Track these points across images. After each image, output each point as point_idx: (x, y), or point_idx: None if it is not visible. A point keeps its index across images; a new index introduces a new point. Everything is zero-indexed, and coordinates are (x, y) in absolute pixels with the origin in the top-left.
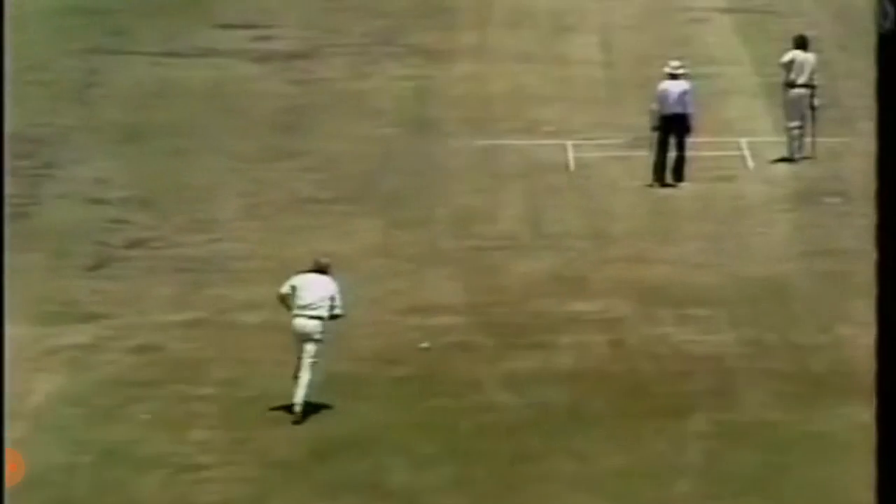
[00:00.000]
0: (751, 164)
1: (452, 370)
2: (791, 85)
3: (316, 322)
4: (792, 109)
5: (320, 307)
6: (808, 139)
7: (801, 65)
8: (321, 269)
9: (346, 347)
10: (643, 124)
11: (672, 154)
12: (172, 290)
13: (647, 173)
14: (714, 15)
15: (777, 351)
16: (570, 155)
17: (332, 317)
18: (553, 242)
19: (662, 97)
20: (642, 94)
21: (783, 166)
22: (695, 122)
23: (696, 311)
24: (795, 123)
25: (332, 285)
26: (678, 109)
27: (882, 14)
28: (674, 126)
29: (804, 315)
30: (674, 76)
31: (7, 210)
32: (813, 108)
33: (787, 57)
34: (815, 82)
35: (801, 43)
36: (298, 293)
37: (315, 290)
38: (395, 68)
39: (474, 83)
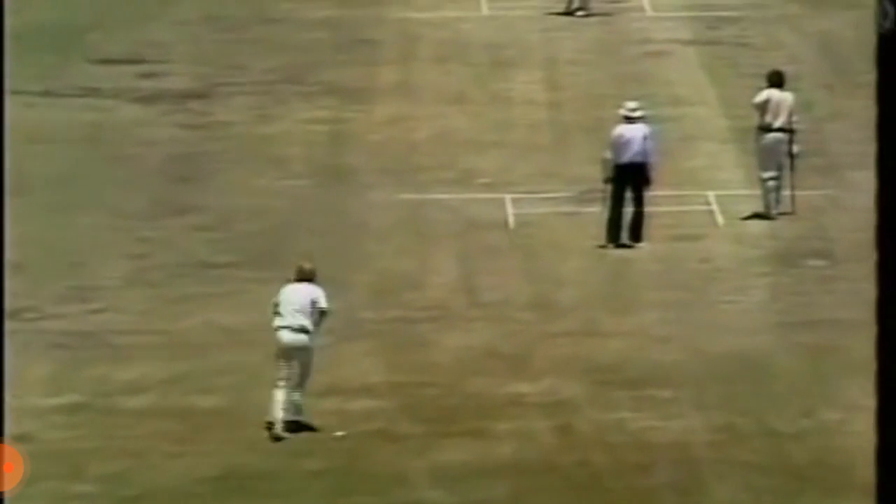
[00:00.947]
0: (720, 220)
1: (374, 463)
2: (766, 129)
3: (302, 336)
4: (767, 157)
5: (304, 318)
6: (786, 192)
7: (778, 105)
8: (306, 278)
9: (252, 437)
10: (594, 175)
11: (629, 210)
12: (48, 370)
13: (600, 232)
14: (676, 48)
15: (752, 439)
16: (510, 211)
17: (319, 320)
18: (490, 313)
19: (617, 144)
20: (593, 140)
21: (757, 223)
22: (655, 173)
23: (657, 392)
24: (771, 174)
25: (317, 291)
26: (636, 158)
27: (882, 14)
28: (631, 177)
29: (783, 397)
30: (630, 119)
31: None
32: (792, 155)
33: (761, 97)
34: (795, 125)
35: (778, 80)
36: (281, 306)
37: (297, 300)
38: (306, 110)
39: (397, 127)
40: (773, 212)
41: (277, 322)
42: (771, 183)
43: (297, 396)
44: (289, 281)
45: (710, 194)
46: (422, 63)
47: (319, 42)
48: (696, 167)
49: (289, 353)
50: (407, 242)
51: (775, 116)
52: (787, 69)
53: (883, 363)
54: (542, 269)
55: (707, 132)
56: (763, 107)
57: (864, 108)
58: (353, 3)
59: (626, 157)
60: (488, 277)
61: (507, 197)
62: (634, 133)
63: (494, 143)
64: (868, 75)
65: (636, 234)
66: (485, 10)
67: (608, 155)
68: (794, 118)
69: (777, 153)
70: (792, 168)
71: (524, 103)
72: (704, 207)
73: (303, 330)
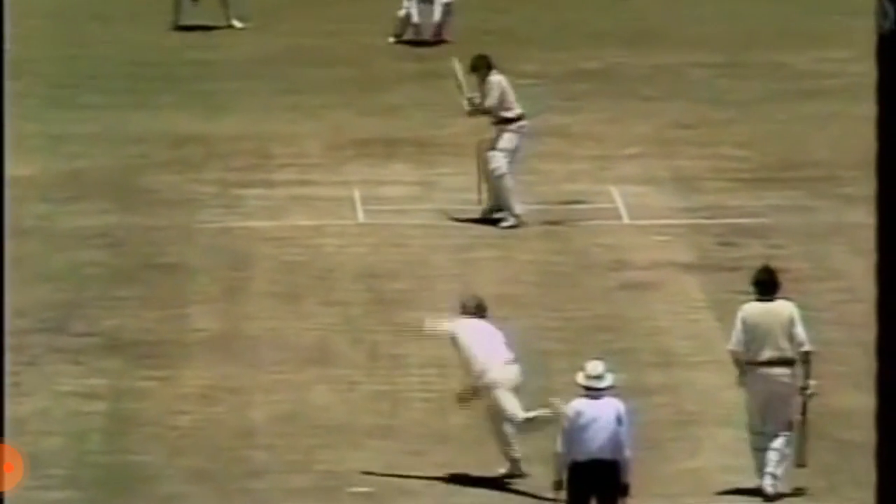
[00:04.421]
0: None
1: None
2: (752, 364)
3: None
4: (758, 410)
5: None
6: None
7: (768, 326)
8: None
9: None
10: (542, 472)
11: None
12: None
13: None
14: (669, 276)
15: None
16: None
17: None
18: None
19: (574, 429)
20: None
21: None
22: (631, 475)
23: None
24: (768, 429)
25: None
26: (602, 453)
27: (882, 14)
28: (594, 481)
29: None
30: (594, 392)
31: None
32: (804, 403)
33: (737, 322)
34: (804, 350)
35: (768, 282)
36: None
37: None
38: (71, 376)
39: (220, 404)
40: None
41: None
42: (772, 453)
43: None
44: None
45: None
46: (257, 300)
47: (92, 274)
48: (700, 467)
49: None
50: None
51: (764, 342)
52: (850, 308)
53: (883, 363)
54: None
55: (714, 414)
56: (744, 332)
57: None
58: (144, 206)
59: (588, 451)
60: None
61: None
62: (600, 413)
63: (374, 432)
64: None
65: None
66: (361, 217)
67: (559, 448)
68: (801, 338)
69: (774, 401)
70: (805, 422)
71: (420, 389)
72: None
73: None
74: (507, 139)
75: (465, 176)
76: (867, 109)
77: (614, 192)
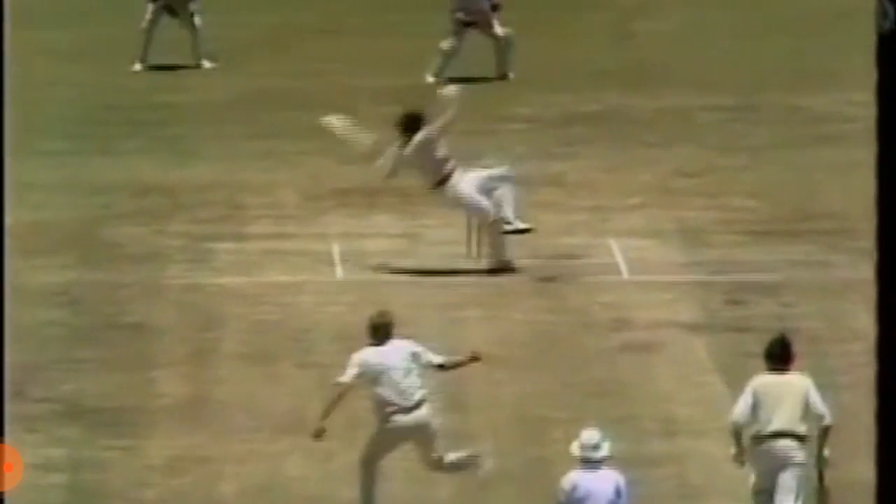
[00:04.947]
0: None
1: None
2: (759, 438)
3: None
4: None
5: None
6: None
7: (778, 397)
8: None
9: None
10: None
11: None
12: None
13: None
14: (673, 338)
15: None
16: None
17: None
18: None
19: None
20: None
21: None
22: None
23: None
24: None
25: None
26: None
27: (882, 14)
28: None
29: None
30: (591, 463)
31: None
32: (820, 477)
33: (745, 396)
34: (821, 424)
35: (782, 355)
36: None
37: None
38: (31, 445)
39: (189, 474)
40: None
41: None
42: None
43: None
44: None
45: None
46: (227, 363)
47: (51, 334)
48: None
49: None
50: None
51: (773, 413)
52: (868, 372)
53: (883, 363)
54: None
55: (721, 486)
56: (752, 403)
57: None
58: (106, 261)
59: None
60: None
61: None
62: (598, 486)
63: None
64: None
65: None
66: (340, 273)
67: None
68: (821, 411)
69: (781, 473)
70: (823, 494)
71: (402, 458)
72: None
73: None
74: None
75: (452, 228)
76: None
77: (614, 245)
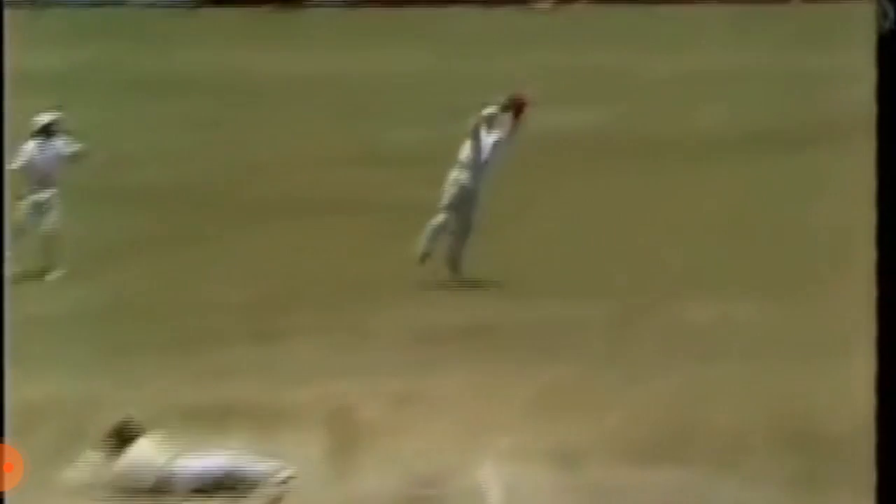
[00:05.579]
0: None
1: None
2: None
3: None
4: None
5: None
6: None
7: None
8: None
9: None
10: None
11: None
12: None
13: None
14: None
15: None
16: None
17: None
18: None
19: None
20: None
21: None
22: None
23: None
24: None
25: None
26: None
27: (882, 14)
28: None
29: None
30: None
31: None
32: None
33: None
34: None
35: None
36: None
37: None
38: None
39: None
40: None
41: None
42: None
43: None
44: None
45: None
46: None
47: None
48: None
49: None
50: None
51: None
52: None
53: (883, 363)
54: None
55: None
56: None
57: None
58: None
59: None
60: None
61: None
62: None
63: None
64: None
65: None
66: None
67: None
68: None
69: None
70: None
71: None
72: None
73: None
74: None
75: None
76: (780, 368)
77: (483, 470)
